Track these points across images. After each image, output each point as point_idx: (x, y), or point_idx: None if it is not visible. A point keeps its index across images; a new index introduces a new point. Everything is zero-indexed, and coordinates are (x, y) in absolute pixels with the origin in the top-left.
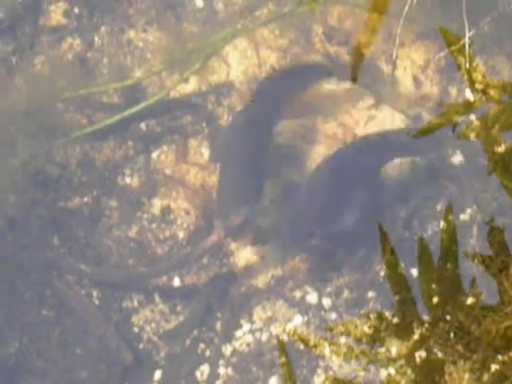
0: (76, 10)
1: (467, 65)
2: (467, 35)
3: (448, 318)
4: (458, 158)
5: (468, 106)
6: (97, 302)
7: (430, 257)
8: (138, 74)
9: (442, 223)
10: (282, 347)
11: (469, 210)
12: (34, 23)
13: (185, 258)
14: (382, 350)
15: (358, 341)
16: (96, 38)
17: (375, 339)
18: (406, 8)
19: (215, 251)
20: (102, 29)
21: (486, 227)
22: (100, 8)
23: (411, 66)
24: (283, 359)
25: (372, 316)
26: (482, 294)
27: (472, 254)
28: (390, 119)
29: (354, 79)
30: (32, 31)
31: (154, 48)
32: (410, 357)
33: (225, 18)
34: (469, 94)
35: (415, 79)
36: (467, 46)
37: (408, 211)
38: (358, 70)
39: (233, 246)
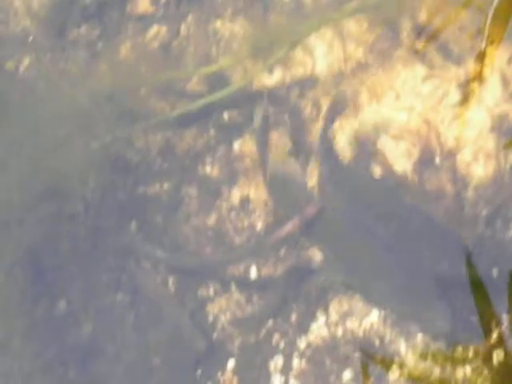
0: None
1: None
2: None
3: None
4: None
5: None
6: (172, 289)
7: None
8: (222, 63)
9: None
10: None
11: None
12: (120, 9)
13: (260, 245)
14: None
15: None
16: (182, 27)
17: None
18: (495, 2)
19: (292, 243)
20: (189, 18)
21: None
22: None
23: (499, 63)
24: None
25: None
26: None
27: None
28: (475, 118)
29: None
30: (119, 17)
31: (240, 38)
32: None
33: (312, 11)
34: None
35: (503, 77)
36: None
37: (491, 209)
38: None
39: None
